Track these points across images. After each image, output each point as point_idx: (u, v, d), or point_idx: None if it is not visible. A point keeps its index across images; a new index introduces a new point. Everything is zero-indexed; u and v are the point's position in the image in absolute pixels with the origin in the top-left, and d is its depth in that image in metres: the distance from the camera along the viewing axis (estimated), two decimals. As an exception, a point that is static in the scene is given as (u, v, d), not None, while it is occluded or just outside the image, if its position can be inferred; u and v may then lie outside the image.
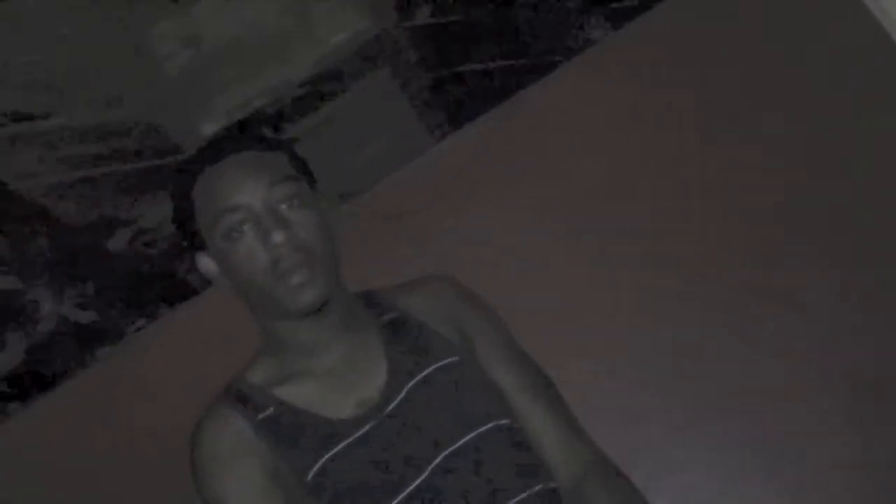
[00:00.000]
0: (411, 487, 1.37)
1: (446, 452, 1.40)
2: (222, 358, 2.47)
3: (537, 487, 1.42)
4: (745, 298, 2.25)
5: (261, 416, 1.50)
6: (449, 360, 1.48)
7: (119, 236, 2.38)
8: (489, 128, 2.44)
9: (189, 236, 1.53)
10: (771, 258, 2.25)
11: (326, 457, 1.41)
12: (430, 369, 1.46)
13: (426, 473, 1.38)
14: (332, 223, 1.51)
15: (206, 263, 1.52)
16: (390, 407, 1.43)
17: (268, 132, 1.67)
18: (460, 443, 1.40)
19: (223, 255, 1.45)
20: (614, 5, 2.33)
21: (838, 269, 2.23)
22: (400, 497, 1.37)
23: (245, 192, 1.41)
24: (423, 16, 2.17)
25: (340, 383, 1.48)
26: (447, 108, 2.44)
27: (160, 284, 2.58)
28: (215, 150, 1.48)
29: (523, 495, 1.39)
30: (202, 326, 2.52)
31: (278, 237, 1.39)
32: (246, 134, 1.60)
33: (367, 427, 1.42)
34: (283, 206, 1.42)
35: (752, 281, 2.24)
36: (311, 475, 1.40)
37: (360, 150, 2.40)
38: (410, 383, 1.45)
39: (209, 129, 2.12)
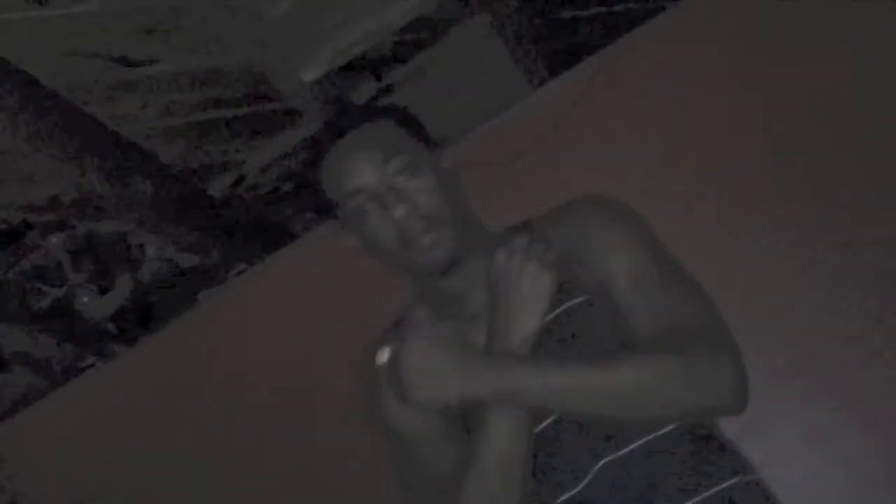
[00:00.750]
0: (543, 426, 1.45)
1: None
2: (321, 302, 2.52)
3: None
4: (841, 253, 2.20)
5: None
6: (579, 299, 1.50)
7: (221, 181, 2.42)
8: (588, 76, 2.41)
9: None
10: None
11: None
12: (558, 310, 1.49)
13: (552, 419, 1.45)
14: (451, 178, 1.58)
15: (351, 241, 1.60)
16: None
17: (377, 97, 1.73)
18: None
19: (359, 233, 1.55)
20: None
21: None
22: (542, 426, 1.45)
23: (362, 174, 1.50)
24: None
25: (482, 328, 1.50)
26: (546, 55, 2.42)
27: (261, 229, 2.62)
28: (335, 130, 1.57)
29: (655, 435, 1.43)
30: (301, 271, 2.55)
31: (400, 212, 1.47)
32: (356, 112, 1.64)
33: None
34: (400, 178, 1.49)
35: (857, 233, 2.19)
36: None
37: (456, 96, 2.39)
38: (548, 317, 1.47)
39: (311, 74, 2.13)
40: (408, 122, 1.60)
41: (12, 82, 1.83)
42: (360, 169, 1.50)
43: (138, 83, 2.02)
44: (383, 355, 1.53)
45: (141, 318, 2.67)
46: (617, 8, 2.30)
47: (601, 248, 1.51)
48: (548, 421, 1.45)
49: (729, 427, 1.54)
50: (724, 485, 1.42)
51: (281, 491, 2.50)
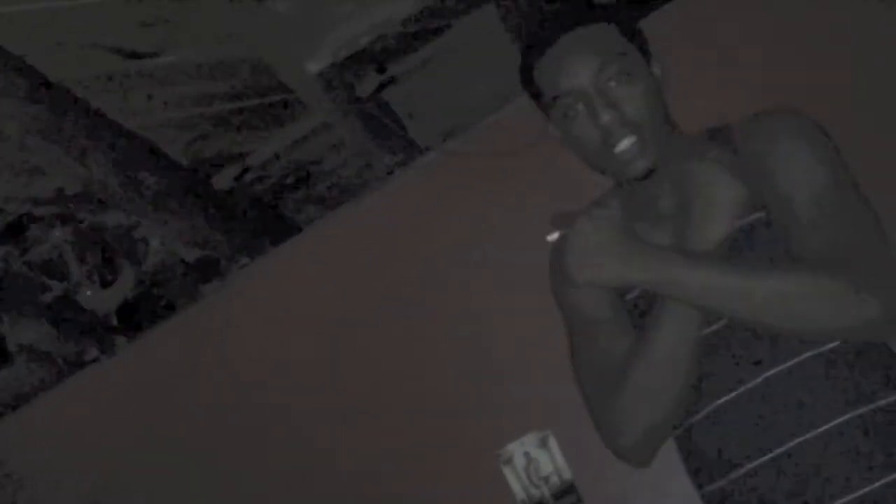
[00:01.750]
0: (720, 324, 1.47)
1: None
2: (324, 295, 2.51)
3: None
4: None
5: None
6: (759, 214, 1.52)
7: (225, 174, 2.42)
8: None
9: (542, 108, 1.63)
10: None
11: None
12: (741, 222, 1.50)
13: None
14: (659, 86, 1.58)
15: (554, 132, 1.63)
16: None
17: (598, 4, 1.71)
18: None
19: (563, 130, 1.57)
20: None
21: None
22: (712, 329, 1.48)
23: (577, 75, 1.52)
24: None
25: (670, 230, 1.56)
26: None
27: (264, 223, 2.62)
28: (550, 31, 1.57)
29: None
30: (305, 265, 2.54)
31: (606, 117, 1.49)
32: (578, 10, 1.64)
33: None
34: (612, 84, 1.51)
35: None
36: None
37: (464, 87, 2.39)
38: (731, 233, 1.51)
39: (315, 67, 2.13)
40: (625, 27, 1.60)
41: (18, 74, 1.83)
42: (577, 71, 1.51)
43: (144, 76, 2.01)
44: (554, 235, 1.59)
45: (143, 310, 2.66)
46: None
47: (787, 164, 1.53)
48: (715, 326, 1.48)
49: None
50: (883, 402, 1.44)
51: (282, 484, 2.49)
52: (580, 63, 1.52)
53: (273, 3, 1.97)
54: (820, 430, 1.42)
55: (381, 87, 2.39)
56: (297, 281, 2.55)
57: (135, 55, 1.93)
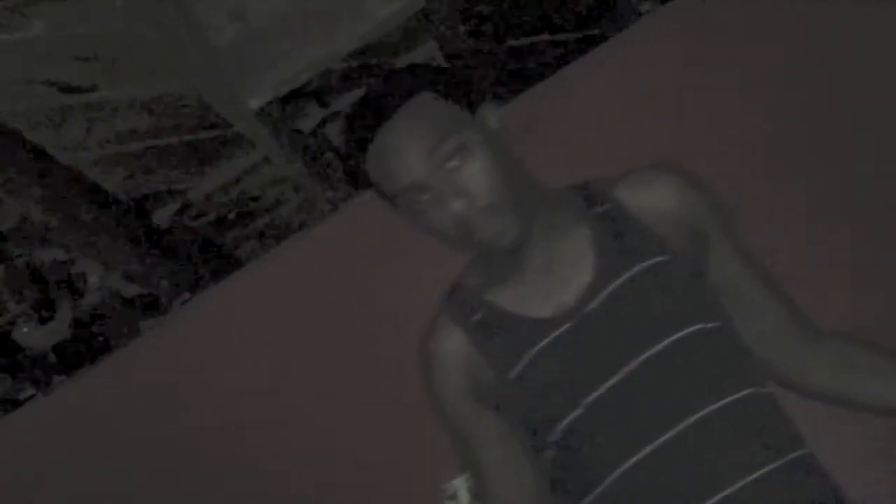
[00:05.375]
0: (603, 390, 1.42)
1: (646, 354, 1.42)
2: (267, 331, 2.49)
3: (744, 392, 1.43)
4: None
5: (472, 318, 1.56)
6: (657, 259, 1.48)
7: (165, 210, 2.40)
8: (534, 104, 2.41)
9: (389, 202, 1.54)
10: None
11: (526, 356, 1.46)
12: (635, 269, 1.47)
13: (622, 375, 1.42)
14: (501, 142, 1.49)
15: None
16: (592, 306, 1.46)
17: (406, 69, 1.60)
18: (661, 346, 1.43)
19: (417, 224, 1.47)
20: (663, -21, 2.31)
21: None
22: (594, 396, 1.42)
23: (410, 168, 1.41)
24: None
25: (545, 284, 1.51)
26: (493, 82, 2.43)
27: (206, 258, 2.60)
28: (368, 122, 1.45)
29: (725, 401, 1.41)
30: (248, 300, 2.52)
31: (457, 206, 1.40)
32: (388, 87, 1.54)
33: (567, 326, 1.46)
34: (451, 164, 1.40)
35: None
36: (512, 374, 1.47)
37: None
38: (615, 283, 1.47)
39: (256, 102, 2.12)
40: (441, 77, 1.48)
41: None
42: (408, 163, 1.40)
43: (81, 110, 1.99)
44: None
45: (81, 348, 2.62)
46: (568, 36, 2.31)
47: (696, 214, 1.56)
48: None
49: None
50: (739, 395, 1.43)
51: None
52: (407, 152, 1.40)
53: (213, 38, 1.97)
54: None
55: (324, 122, 2.39)
56: (238, 316, 2.53)
57: (72, 89, 1.91)
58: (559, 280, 1.50)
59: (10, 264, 2.30)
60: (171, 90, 2.03)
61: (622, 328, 1.44)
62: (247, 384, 2.49)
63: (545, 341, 1.46)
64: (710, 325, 1.47)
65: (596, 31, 2.37)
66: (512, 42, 2.32)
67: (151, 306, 2.63)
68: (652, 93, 2.32)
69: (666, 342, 1.43)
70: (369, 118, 1.44)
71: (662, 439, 1.39)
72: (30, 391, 2.67)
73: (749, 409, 1.43)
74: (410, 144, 1.40)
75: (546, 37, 2.34)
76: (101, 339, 2.63)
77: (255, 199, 2.59)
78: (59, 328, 2.53)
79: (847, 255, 2.16)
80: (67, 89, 1.90)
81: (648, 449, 1.38)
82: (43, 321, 2.50)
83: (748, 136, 2.28)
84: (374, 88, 1.49)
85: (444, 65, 2.25)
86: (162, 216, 2.42)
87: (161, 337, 2.62)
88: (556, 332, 1.46)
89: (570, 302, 1.47)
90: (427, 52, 2.26)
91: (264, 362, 2.46)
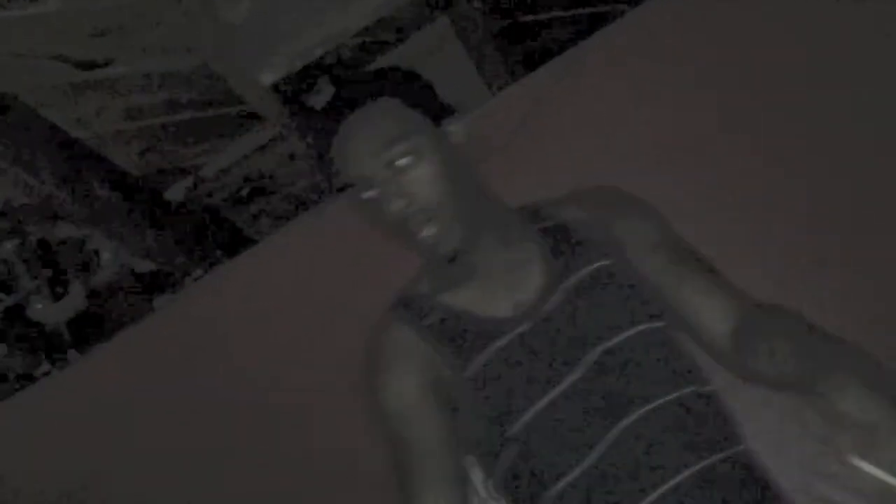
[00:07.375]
0: (564, 385, 1.45)
1: (599, 350, 1.47)
2: (280, 307, 2.49)
3: (688, 389, 1.47)
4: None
5: (425, 321, 1.58)
6: (601, 263, 1.54)
7: (179, 185, 2.40)
8: (549, 80, 2.40)
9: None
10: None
11: (484, 354, 1.49)
12: (583, 272, 1.53)
13: (579, 373, 1.45)
14: (459, 157, 1.53)
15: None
16: (546, 308, 1.51)
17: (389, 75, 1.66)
18: (613, 342, 1.47)
19: (362, 215, 1.54)
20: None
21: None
22: (552, 395, 1.45)
23: (361, 162, 1.47)
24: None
25: (499, 287, 1.55)
26: (506, 59, 2.42)
27: (219, 235, 2.60)
28: (333, 118, 1.52)
29: (673, 396, 1.45)
30: (260, 276, 2.53)
31: (397, 206, 1.45)
32: (361, 87, 1.60)
33: (523, 327, 1.50)
34: (402, 165, 1.46)
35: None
36: (469, 372, 1.49)
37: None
38: (564, 284, 1.52)
39: (269, 78, 2.12)
40: (418, 88, 1.56)
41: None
42: (360, 156, 1.46)
43: (95, 86, 1.99)
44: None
45: (95, 324, 2.63)
46: (582, 11, 2.30)
47: (617, 221, 1.59)
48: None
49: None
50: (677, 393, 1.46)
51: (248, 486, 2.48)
52: (364, 145, 1.47)
53: (226, 14, 1.96)
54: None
55: (335, 99, 2.38)
56: (251, 293, 2.53)
57: (86, 65, 1.91)
58: (514, 282, 1.55)
59: (24, 240, 2.30)
60: (185, 66, 2.03)
61: (578, 326, 1.50)
62: (260, 360, 2.50)
63: (504, 339, 1.50)
64: (656, 324, 1.52)
65: (607, 9, 2.36)
66: (523, 18, 2.31)
67: (165, 283, 2.63)
68: (655, 79, 2.32)
69: (617, 340, 1.48)
70: (335, 116, 1.50)
71: (608, 435, 1.43)
72: (45, 367, 2.68)
73: (682, 409, 1.46)
74: (365, 139, 1.47)
75: (560, 13, 2.33)
76: (114, 315, 2.63)
77: (268, 175, 2.59)
78: (73, 304, 2.53)
79: (845, 255, 2.17)
80: (82, 65, 1.90)
81: (602, 445, 1.42)
82: (57, 297, 2.51)
83: (752, 124, 2.28)
84: (345, 88, 1.58)
85: (453, 42, 2.26)
86: (175, 192, 2.43)
87: (174, 313, 2.63)
88: (517, 331, 1.50)
89: (529, 301, 1.52)
90: (438, 28, 2.25)
91: (278, 338, 2.47)
